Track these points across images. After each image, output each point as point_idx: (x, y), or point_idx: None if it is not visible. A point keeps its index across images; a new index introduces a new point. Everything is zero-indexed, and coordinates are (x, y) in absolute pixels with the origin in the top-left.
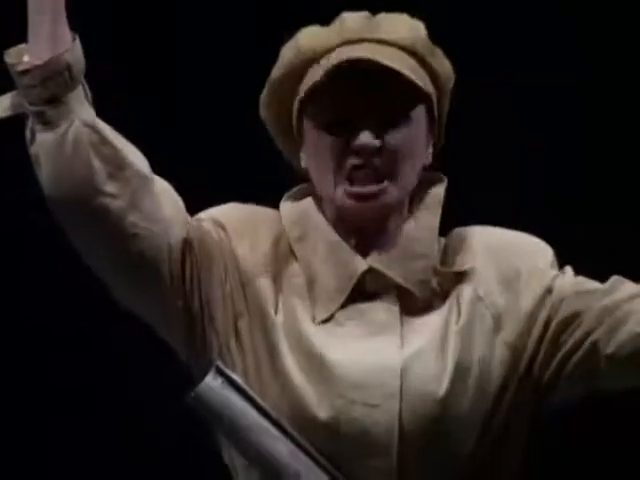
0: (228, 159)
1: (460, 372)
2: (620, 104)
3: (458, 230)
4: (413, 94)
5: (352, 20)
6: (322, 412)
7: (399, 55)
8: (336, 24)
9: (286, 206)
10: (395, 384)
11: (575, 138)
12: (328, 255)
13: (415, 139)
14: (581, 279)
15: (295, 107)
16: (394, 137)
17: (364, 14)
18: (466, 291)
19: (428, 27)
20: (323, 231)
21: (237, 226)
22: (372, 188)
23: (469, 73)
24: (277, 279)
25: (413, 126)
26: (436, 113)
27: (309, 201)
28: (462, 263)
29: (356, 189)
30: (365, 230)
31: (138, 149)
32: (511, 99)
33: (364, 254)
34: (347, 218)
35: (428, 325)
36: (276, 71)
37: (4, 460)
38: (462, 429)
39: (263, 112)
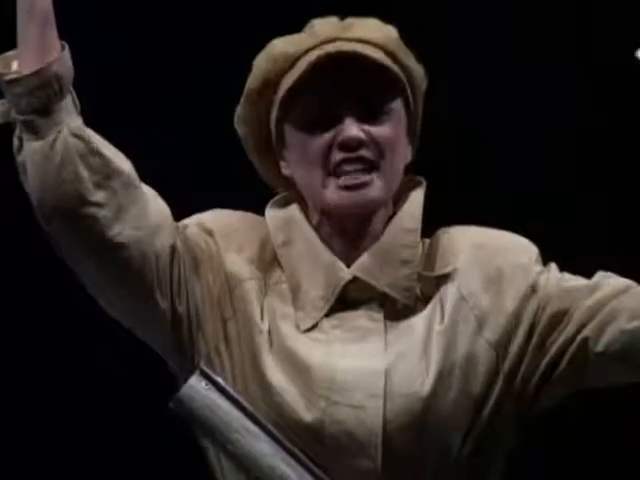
0: (215, 164)
1: (443, 372)
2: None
3: (442, 230)
4: (392, 87)
5: (323, 23)
6: (307, 415)
7: (374, 51)
8: (307, 30)
9: (271, 212)
10: (379, 385)
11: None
12: (312, 263)
13: (398, 132)
14: (566, 275)
15: (274, 114)
16: (378, 128)
17: (333, 18)
18: (449, 292)
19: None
20: (308, 238)
21: (224, 232)
22: (364, 178)
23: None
24: (263, 285)
25: (394, 119)
26: (413, 110)
27: (294, 208)
28: (446, 264)
29: (346, 181)
30: (349, 234)
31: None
32: (501, 99)
33: (348, 261)
34: (333, 217)
35: (411, 328)
36: (252, 83)
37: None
38: (446, 429)
39: (241, 128)
